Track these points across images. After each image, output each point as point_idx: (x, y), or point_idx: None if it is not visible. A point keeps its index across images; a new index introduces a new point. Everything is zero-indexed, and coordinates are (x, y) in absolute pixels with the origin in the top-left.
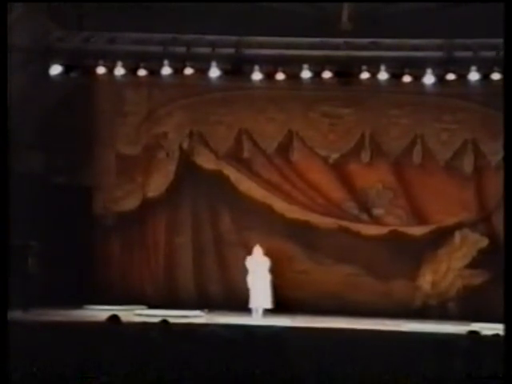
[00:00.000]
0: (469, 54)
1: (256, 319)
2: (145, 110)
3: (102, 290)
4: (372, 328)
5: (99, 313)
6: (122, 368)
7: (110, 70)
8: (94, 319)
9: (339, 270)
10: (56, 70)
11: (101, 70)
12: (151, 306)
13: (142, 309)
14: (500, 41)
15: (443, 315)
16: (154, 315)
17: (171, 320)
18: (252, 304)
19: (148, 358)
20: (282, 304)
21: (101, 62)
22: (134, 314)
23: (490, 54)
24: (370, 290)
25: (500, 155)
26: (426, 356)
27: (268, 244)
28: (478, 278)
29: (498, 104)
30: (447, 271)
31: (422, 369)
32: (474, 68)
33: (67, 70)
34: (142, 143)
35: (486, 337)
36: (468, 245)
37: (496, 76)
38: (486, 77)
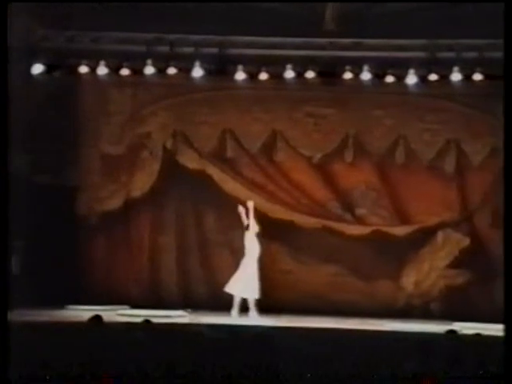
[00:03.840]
0: (451, 54)
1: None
2: (129, 109)
3: (85, 290)
4: (356, 328)
5: (82, 313)
6: (104, 368)
7: (93, 69)
8: (76, 319)
9: (323, 270)
10: (38, 69)
11: (84, 69)
12: (134, 306)
13: (125, 309)
14: (482, 41)
15: (426, 315)
16: (137, 315)
17: (154, 320)
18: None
19: (131, 358)
20: (265, 304)
21: (84, 61)
22: (116, 314)
23: (473, 54)
24: (353, 289)
25: (482, 155)
26: (408, 355)
27: None
28: (460, 278)
29: (481, 104)
30: (430, 271)
31: (404, 368)
32: (456, 69)
33: (50, 69)
34: (126, 143)
35: (466, 336)
36: (450, 245)
37: (478, 77)
38: (468, 77)
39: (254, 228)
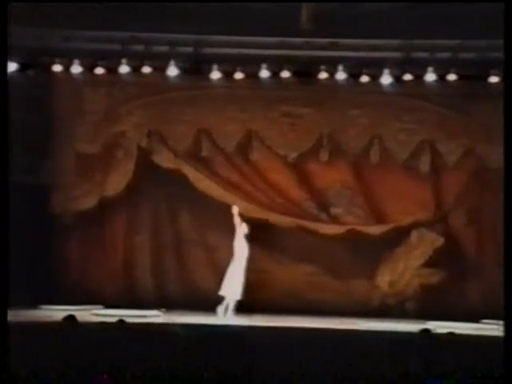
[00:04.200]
0: (426, 55)
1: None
2: (103, 108)
3: (59, 290)
4: (331, 327)
5: (56, 313)
6: (77, 368)
7: (68, 68)
8: (50, 319)
9: (299, 270)
10: (12, 67)
11: (58, 67)
12: (109, 306)
13: (99, 308)
14: (456, 42)
15: (401, 314)
16: (112, 315)
17: (128, 320)
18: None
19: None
20: (241, 303)
21: (58, 59)
22: (90, 314)
23: (447, 55)
24: (329, 289)
25: (456, 155)
26: (383, 354)
27: (227, 243)
28: (434, 277)
29: (455, 105)
30: (404, 270)
31: (380, 366)
32: (430, 69)
33: (23, 67)
34: (101, 142)
35: (440, 335)
36: (425, 244)
37: (452, 77)
38: (442, 78)
39: (242, 230)
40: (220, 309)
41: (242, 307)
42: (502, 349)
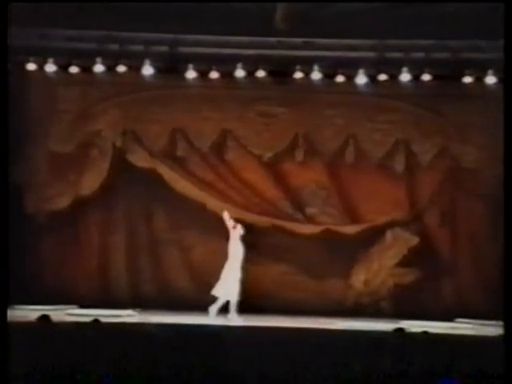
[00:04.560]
0: (400, 55)
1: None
2: (78, 107)
3: (33, 290)
4: (306, 326)
5: (30, 313)
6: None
7: (42, 66)
8: (24, 319)
9: (274, 269)
10: None
11: (31, 66)
12: (84, 306)
13: (74, 308)
14: (430, 42)
15: (375, 313)
16: (86, 315)
17: (103, 320)
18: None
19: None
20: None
21: (31, 58)
22: (65, 314)
23: (421, 55)
24: (304, 288)
25: (430, 155)
26: (359, 353)
27: (203, 243)
28: (408, 277)
29: (429, 104)
30: (379, 270)
31: (355, 365)
32: (405, 69)
33: None
34: (75, 141)
35: (414, 334)
36: (399, 243)
37: (426, 77)
38: (416, 78)
39: (238, 232)
40: (212, 309)
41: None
42: (475, 347)
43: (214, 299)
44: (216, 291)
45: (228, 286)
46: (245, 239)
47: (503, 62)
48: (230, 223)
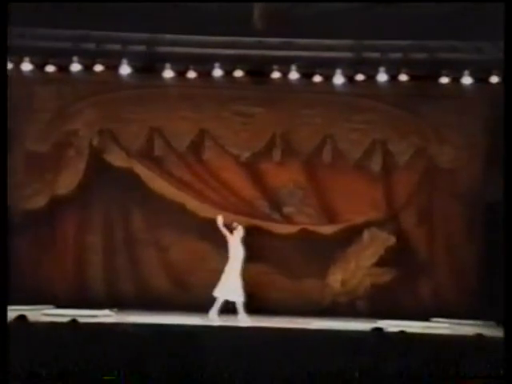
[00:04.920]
0: (377, 55)
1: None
2: (54, 106)
3: (9, 290)
4: (283, 326)
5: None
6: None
7: (18, 65)
8: None
9: (251, 269)
10: None
11: (8, 65)
12: (61, 306)
13: (50, 308)
14: (407, 43)
15: (352, 313)
16: (63, 315)
17: (80, 320)
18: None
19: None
20: (193, 302)
21: (8, 57)
22: (41, 314)
23: (398, 55)
24: (281, 288)
25: (407, 155)
26: (335, 353)
27: (180, 243)
28: (385, 276)
29: (406, 105)
30: (356, 269)
31: (331, 365)
32: (382, 69)
33: None
34: (52, 140)
35: (391, 333)
36: (376, 243)
37: (403, 77)
38: (394, 78)
39: (238, 233)
40: (212, 312)
41: (194, 306)
42: (451, 347)
43: (192, 299)
44: (217, 292)
45: (229, 287)
46: (245, 240)
47: (503, 62)
48: (223, 228)
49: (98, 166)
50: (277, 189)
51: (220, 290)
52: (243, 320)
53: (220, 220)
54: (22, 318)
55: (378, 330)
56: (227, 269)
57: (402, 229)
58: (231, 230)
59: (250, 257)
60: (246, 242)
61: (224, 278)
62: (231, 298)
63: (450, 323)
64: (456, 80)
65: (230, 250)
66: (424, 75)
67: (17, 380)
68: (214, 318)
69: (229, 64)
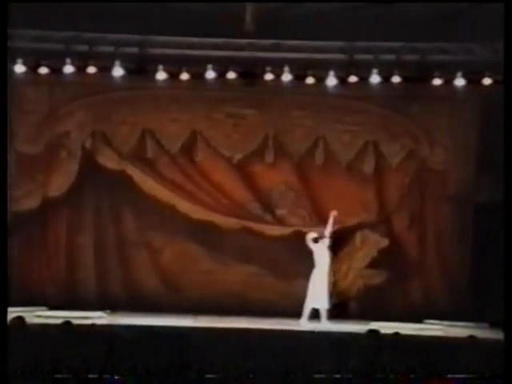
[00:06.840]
0: (370, 57)
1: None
2: (46, 108)
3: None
4: (274, 328)
5: None
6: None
7: (10, 67)
8: None
9: (242, 270)
10: None
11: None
12: (52, 308)
13: (43, 310)
14: (399, 44)
15: (344, 314)
16: (55, 316)
17: (73, 321)
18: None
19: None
20: (184, 304)
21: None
22: (33, 316)
23: (390, 57)
24: (272, 289)
25: (399, 157)
26: (326, 354)
27: (172, 244)
28: (377, 278)
29: (399, 106)
30: (348, 271)
31: (322, 367)
32: (374, 71)
33: None
34: (43, 142)
35: (386, 335)
36: (368, 245)
37: (396, 79)
38: (386, 80)
39: (325, 243)
40: (302, 320)
41: (184, 307)
42: (445, 348)
43: (183, 300)
44: (310, 302)
45: (317, 295)
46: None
47: (503, 63)
48: (310, 243)
49: (90, 167)
50: (269, 190)
51: (311, 300)
52: (325, 326)
53: (310, 236)
54: (19, 319)
55: (374, 332)
56: (313, 277)
57: (394, 230)
58: (317, 240)
59: (242, 259)
60: (238, 243)
61: (311, 286)
62: (316, 306)
63: (442, 325)
64: (448, 82)
65: (315, 260)
66: (416, 77)
67: (11, 381)
68: (304, 325)
69: (221, 66)
